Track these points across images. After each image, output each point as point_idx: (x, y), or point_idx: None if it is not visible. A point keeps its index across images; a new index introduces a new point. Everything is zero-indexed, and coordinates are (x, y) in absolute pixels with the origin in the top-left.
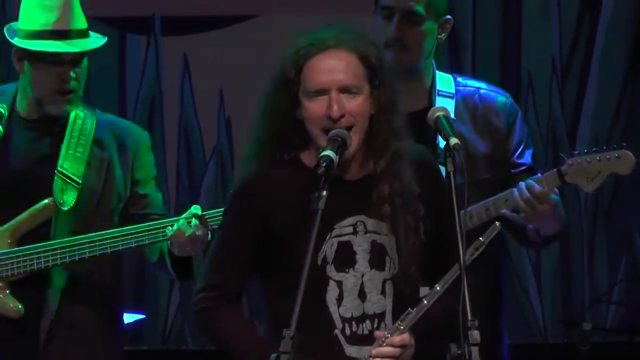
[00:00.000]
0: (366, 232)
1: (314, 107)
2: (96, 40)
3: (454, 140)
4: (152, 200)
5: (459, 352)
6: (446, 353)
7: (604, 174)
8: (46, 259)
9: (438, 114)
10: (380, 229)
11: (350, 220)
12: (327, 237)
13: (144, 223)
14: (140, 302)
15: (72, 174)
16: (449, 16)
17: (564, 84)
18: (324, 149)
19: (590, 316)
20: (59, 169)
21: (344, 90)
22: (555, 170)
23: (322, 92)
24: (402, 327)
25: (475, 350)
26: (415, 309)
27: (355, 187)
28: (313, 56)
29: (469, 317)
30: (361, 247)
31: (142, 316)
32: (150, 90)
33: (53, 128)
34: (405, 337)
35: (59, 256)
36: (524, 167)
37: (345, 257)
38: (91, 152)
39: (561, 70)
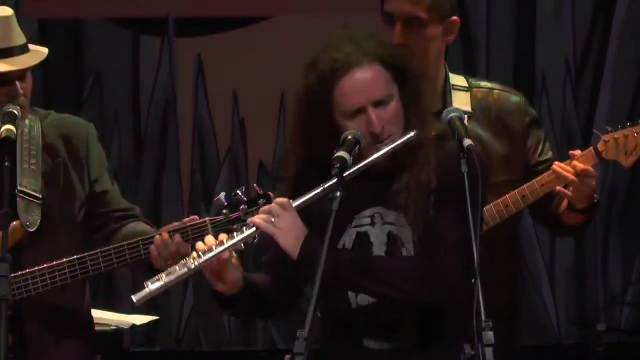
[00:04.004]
0: (383, 224)
1: (356, 127)
2: (39, 53)
3: (467, 142)
4: (112, 196)
5: (474, 353)
6: (460, 354)
7: None
8: (35, 285)
9: (452, 115)
10: (398, 221)
11: (369, 212)
12: (347, 228)
13: (110, 223)
14: (153, 304)
15: (32, 191)
16: (455, 17)
17: (578, 85)
18: (338, 150)
19: (605, 317)
20: (19, 188)
21: (379, 104)
22: (591, 148)
23: (360, 111)
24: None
25: (489, 351)
26: None
27: (378, 179)
28: (341, 78)
29: (484, 318)
30: (378, 238)
31: (155, 318)
32: (165, 92)
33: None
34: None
35: (40, 283)
36: (549, 163)
37: (362, 248)
38: (44, 162)
39: (575, 71)
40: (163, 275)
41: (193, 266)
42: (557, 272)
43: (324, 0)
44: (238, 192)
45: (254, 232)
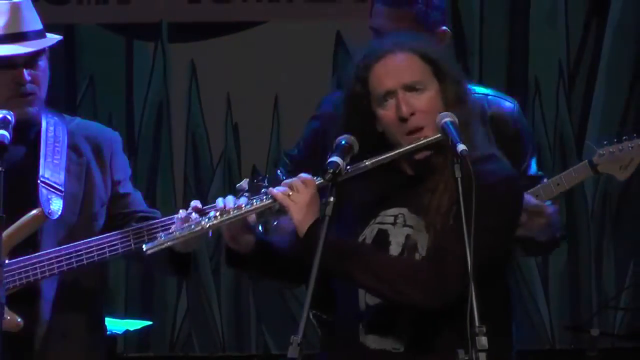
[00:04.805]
0: (404, 226)
1: (387, 114)
2: (48, 40)
3: (461, 147)
4: (135, 198)
5: (467, 358)
6: (454, 359)
7: (636, 160)
8: (44, 269)
9: (445, 120)
10: (418, 225)
11: (393, 211)
12: (371, 222)
13: (132, 222)
14: (147, 309)
15: (55, 182)
16: (444, 27)
17: (571, 88)
18: (331, 155)
19: (598, 322)
20: (42, 178)
21: (410, 88)
22: (586, 161)
23: (390, 94)
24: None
25: (482, 356)
26: None
27: (410, 181)
28: (374, 65)
29: (477, 323)
30: (396, 238)
31: (149, 323)
32: (158, 97)
33: (26, 136)
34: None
35: (55, 265)
36: (529, 181)
37: (380, 245)
38: (69, 159)
39: (568, 75)
40: (177, 230)
41: (207, 225)
42: (550, 276)
43: (317, 5)
44: (260, 177)
45: (270, 203)
